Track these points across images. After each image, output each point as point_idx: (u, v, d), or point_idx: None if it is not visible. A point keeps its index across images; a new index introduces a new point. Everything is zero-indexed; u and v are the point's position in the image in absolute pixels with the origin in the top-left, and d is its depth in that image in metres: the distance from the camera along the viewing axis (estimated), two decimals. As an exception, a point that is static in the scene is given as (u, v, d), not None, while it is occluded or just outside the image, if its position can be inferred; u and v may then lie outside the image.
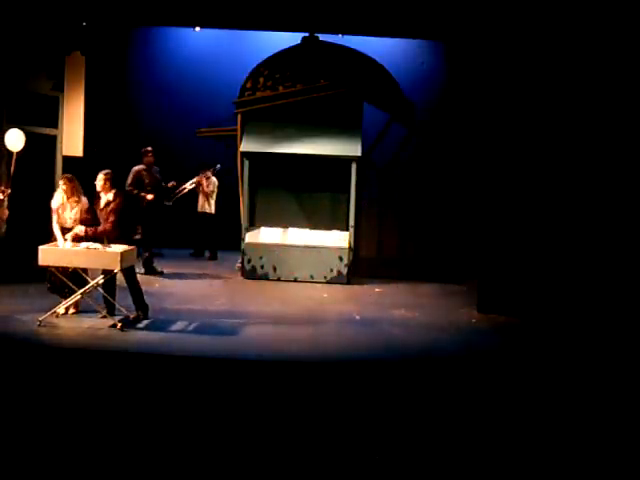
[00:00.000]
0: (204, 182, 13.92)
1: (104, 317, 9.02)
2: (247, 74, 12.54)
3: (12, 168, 9.50)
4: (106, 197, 9.14)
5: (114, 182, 9.24)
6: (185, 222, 14.27)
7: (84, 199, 9.27)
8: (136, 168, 12.16)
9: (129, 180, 12.04)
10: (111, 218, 9.04)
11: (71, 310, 9.26)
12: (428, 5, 10.80)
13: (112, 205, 9.08)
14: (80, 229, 9.00)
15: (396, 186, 14.03)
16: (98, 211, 9.17)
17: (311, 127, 12.33)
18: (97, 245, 8.96)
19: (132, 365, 7.61)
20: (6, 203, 9.43)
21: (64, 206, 9.17)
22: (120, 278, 9.23)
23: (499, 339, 9.21)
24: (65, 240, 8.92)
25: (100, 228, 9.04)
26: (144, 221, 12.03)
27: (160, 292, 10.74)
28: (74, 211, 9.20)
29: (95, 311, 9.19)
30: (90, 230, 9.01)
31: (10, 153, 9.70)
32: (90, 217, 9.13)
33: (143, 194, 11.97)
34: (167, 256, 13.80)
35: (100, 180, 9.15)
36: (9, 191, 9.49)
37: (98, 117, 13.19)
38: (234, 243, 12.91)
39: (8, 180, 9.48)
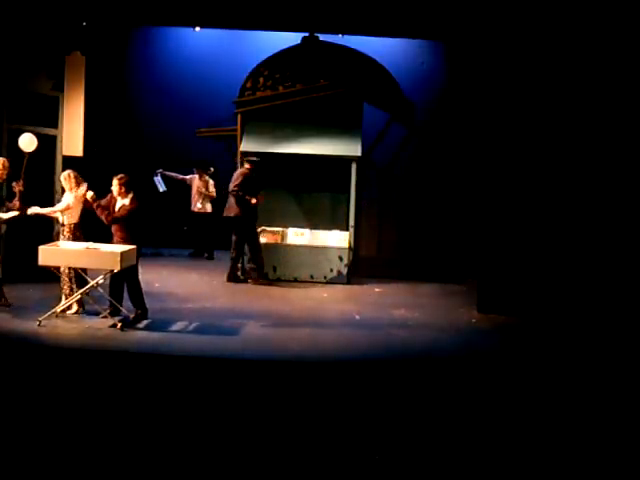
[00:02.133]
0: (197, 182, 13.93)
1: (104, 317, 9.02)
2: (247, 74, 12.54)
3: (23, 168, 9.63)
4: (122, 202, 9.16)
5: (129, 186, 9.20)
6: (184, 222, 14.27)
7: (72, 195, 9.32)
8: (243, 171, 11.83)
9: (236, 182, 11.72)
10: (122, 212, 9.09)
11: (74, 308, 9.25)
12: (428, 5, 10.80)
13: (127, 206, 9.12)
14: (92, 195, 9.15)
15: (396, 186, 14.02)
16: (113, 211, 9.19)
17: (311, 127, 12.32)
18: (97, 245, 8.99)
19: (132, 365, 7.61)
20: (18, 196, 9.52)
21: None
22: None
23: (499, 339, 9.21)
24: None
25: (109, 216, 9.09)
26: (240, 227, 11.82)
27: (160, 292, 10.73)
28: (61, 204, 9.33)
29: (96, 313, 9.17)
30: (96, 204, 9.13)
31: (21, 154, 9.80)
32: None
33: (248, 197, 11.65)
34: (167, 256, 13.83)
35: (115, 186, 9.17)
36: (22, 185, 9.60)
37: (98, 117, 13.19)
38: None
39: (20, 178, 9.61)
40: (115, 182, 9.18)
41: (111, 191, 9.24)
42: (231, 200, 11.80)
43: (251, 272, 12.01)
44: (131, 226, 9.15)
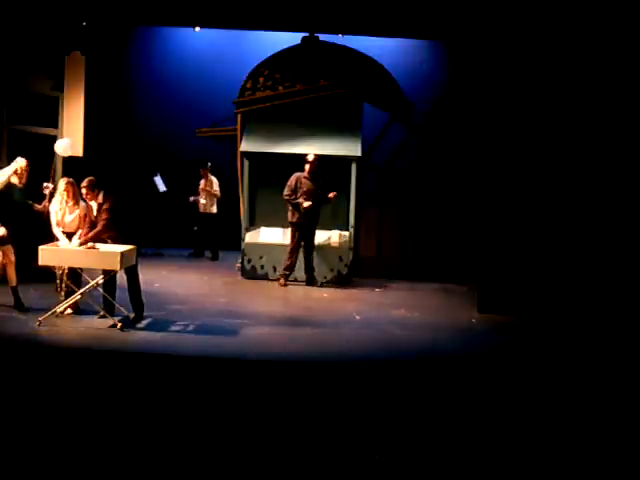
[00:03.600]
0: (202, 183, 13.96)
1: (103, 317, 9.01)
2: (247, 74, 12.55)
3: (52, 170, 9.87)
4: (97, 203, 9.03)
5: (98, 186, 9.07)
6: (185, 222, 14.28)
7: (82, 204, 9.27)
8: (296, 174, 11.67)
9: (288, 186, 11.63)
10: (103, 216, 8.96)
11: (68, 310, 9.24)
12: (428, 5, 10.80)
13: (104, 206, 9.00)
14: (75, 242, 8.97)
15: (396, 186, 14.03)
16: (94, 218, 9.07)
17: (311, 127, 12.32)
18: (97, 245, 8.96)
19: (132, 365, 7.61)
20: (47, 197, 9.54)
21: (63, 209, 9.22)
22: (120, 278, 9.24)
23: (499, 339, 9.21)
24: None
25: (93, 231, 8.92)
26: (295, 231, 11.69)
27: (160, 292, 10.73)
28: (73, 215, 9.22)
29: (95, 311, 9.18)
30: (85, 235, 8.94)
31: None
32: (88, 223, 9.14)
33: (301, 201, 11.53)
34: (167, 256, 13.83)
35: (84, 192, 9.02)
36: (52, 187, 9.63)
37: (98, 117, 13.20)
38: (234, 243, 12.93)
39: (49, 179, 9.72)
40: (83, 190, 9.03)
41: (88, 211, 9.14)
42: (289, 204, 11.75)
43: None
44: (116, 222, 9.04)
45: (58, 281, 9.32)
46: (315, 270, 11.87)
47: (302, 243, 11.70)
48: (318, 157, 11.70)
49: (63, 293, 9.24)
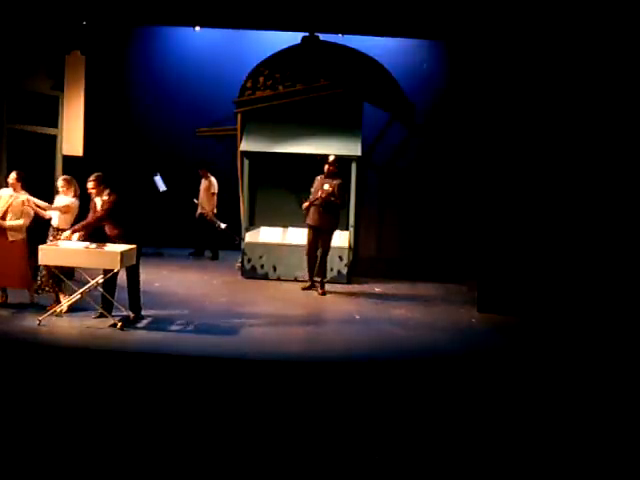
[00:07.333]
0: (203, 183, 13.96)
1: (103, 316, 8.99)
2: (247, 74, 12.55)
3: None
4: (101, 199, 9.03)
5: (104, 182, 9.06)
6: (185, 222, 14.27)
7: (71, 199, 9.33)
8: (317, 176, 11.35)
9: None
10: (100, 210, 8.98)
11: (64, 309, 9.22)
12: (428, 5, 10.80)
13: (104, 201, 9.01)
14: (67, 233, 9.01)
15: (396, 186, 14.04)
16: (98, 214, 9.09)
17: (311, 127, 12.32)
18: (95, 245, 8.93)
19: (132, 365, 7.61)
20: None
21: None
22: (119, 277, 9.24)
23: (499, 338, 9.21)
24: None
25: (82, 222, 9.00)
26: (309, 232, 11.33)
27: (160, 292, 10.73)
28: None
29: (95, 311, 9.17)
30: (78, 226, 9.01)
31: None
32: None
33: (305, 203, 11.21)
34: (167, 256, 13.83)
35: (91, 187, 9.02)
36: None
37: (98, 117, 13.21)
38: (234, 243, 12.92)
39: None
40: (90, 184, 9.02)
41: (90, 195, 9.12)
42: None
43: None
44: (121, 221, 9.02)
45: (50, 280, 9.30)
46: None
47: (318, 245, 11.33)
48: (337, 158, 11.33)
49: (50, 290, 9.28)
